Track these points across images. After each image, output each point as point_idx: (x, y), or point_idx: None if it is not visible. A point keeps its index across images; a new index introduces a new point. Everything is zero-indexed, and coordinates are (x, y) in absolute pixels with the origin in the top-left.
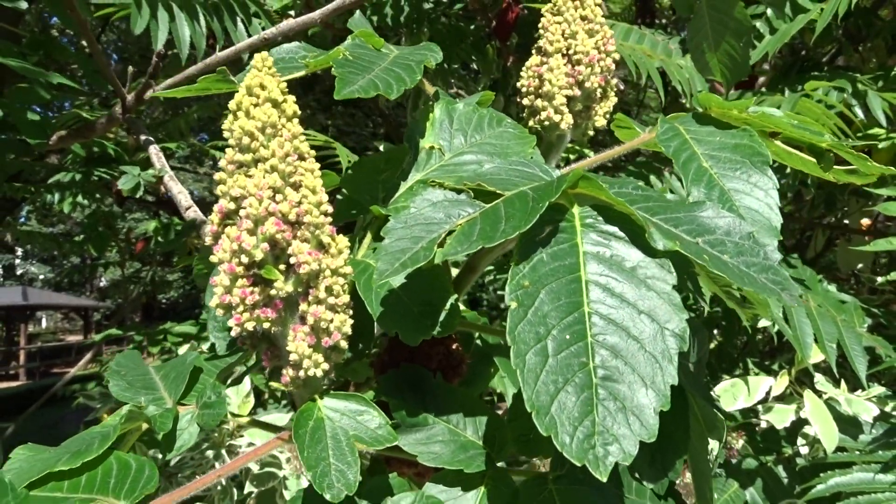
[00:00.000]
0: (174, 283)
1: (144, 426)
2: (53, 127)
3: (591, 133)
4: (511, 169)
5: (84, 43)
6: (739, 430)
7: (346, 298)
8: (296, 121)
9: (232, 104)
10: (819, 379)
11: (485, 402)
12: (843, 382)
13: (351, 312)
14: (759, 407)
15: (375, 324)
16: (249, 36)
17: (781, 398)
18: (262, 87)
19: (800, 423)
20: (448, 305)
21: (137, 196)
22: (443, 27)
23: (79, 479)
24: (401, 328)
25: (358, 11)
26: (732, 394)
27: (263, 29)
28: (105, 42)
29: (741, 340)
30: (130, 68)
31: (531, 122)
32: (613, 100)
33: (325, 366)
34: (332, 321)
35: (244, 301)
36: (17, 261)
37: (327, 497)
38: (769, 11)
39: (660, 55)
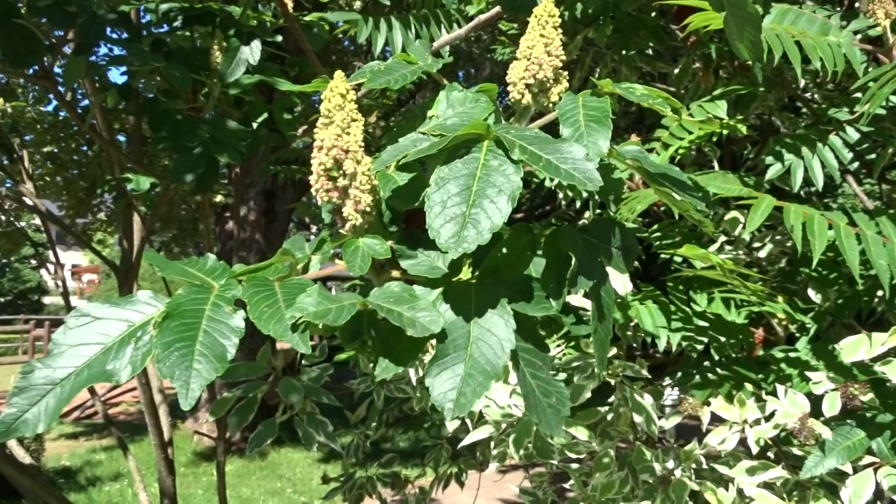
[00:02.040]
0: None
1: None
2: (299, 122)
3: (551, 105)
4: (459, 123)
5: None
6: (864, 383)
7: (369, 187)
8: (353, 103)
9: (323, 95)
10: None
11: None
12: None
13: (374, 195)
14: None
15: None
16: None
17: None
18: (337, 86)
19: None
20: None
21: None
22: (623, 16)
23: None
24: (399, 205)
25: (419, 42)
26: (855, 346)
27: None
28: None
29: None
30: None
31: (512, 101)
32: (565, 85)
33: (361, 219)
34: (363, 197)
35: (324, 188)
36: (312, 237)
37: (354, 272)
38: None
39: (812, 34)
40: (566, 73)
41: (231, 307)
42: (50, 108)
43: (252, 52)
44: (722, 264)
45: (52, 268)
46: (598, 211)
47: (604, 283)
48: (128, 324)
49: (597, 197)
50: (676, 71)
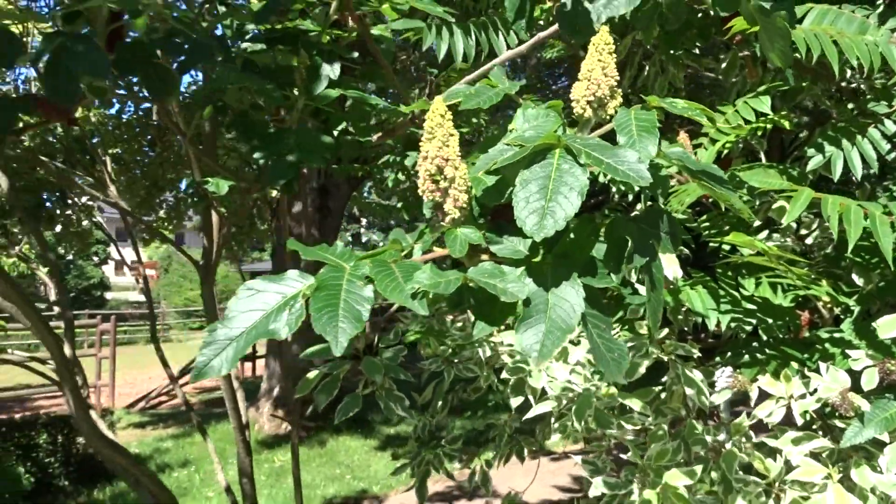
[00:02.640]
0: None
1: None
2: (375, 129)
3: (608, 117)
4: (535, 135)
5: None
6: None
7: (465, 188)
8: (449, 122)
9: (427, 114)
10: None
11: None
12: None
13: (468, 194)
14: None
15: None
16: (509, 47)
17: None
18: (437, 108)
19: None
20: (509, 190)
21: None
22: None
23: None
24: (488, 202)
25: (497, 67)
26: (891, 325)
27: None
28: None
29: None
30: (416, 91)
31: (575, 113)
32: (619, 100)
33: (458, 214)
34: (460, 196)
35: (429, 189)
36: (362, 230)
37: (455, 255)
38: None
39: (850, 33)
40: (620, 90)
41: (362, 281)
42: (112, 111)
43: (332, 69)
44: (767, 251)
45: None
46: (649, 203)
47: (655, 261)
48: (282, 295)
49: (647, 191)
50: (724, 66)
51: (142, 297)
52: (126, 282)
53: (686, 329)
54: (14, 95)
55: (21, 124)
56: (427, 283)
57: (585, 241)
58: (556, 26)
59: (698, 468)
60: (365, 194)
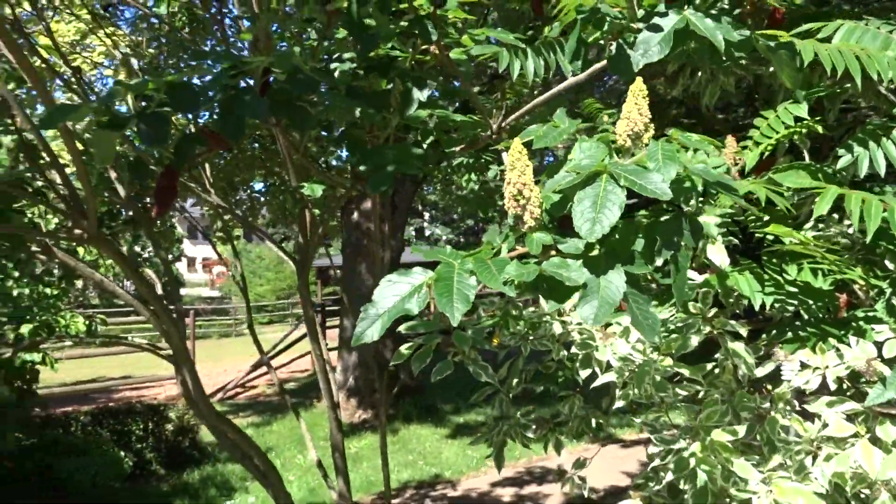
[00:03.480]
0: None
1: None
2: (457, 142)
3: (643, 147)
4: (589, 164)
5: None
6: None
7: (538, 204)
8: (525, 156)
9: (509, 151)
10: None
11: None
12: None
13: (540, 208)
14: None
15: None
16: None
17: None
18: (517, 146)
19: None
20: (569, 204)
21: None
22: None
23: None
24: (555, 213)
25: (560, 108)
26: None
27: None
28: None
29: None
30: (495, 111)
31: (618, 144)
32: (651, 133)
33: (534, 223)
34: (535, 210)
35: (512, 206)
36: (425, 224)
37: (532, 252)
38: None
39: (873, 49)
40: (652, 125)
41: (468, 274)
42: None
43: (422, 93)
44: (804, 240)
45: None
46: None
47: (679, 252)
48: (411, 285)
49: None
50: (770, 70)
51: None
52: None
53: (738, 311)
54: (188, 131)
55: None
56: (514, 273)
57: (628, 239)
58: (605, 62)
59: (741, 428)
60: (428, 189)
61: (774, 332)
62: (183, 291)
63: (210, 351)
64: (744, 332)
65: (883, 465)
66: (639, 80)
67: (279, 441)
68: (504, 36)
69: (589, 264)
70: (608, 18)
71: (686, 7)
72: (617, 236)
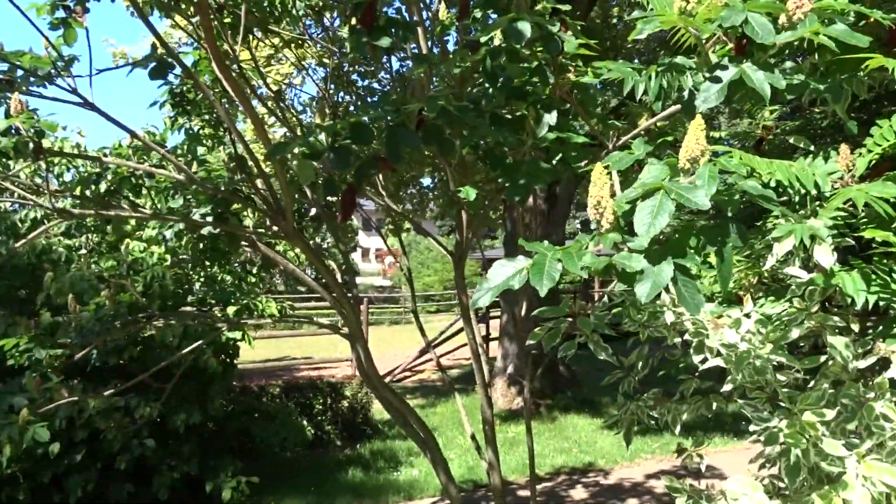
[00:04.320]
0: None
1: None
2: (582, 157)
3: (697, 168)
4: (652, 182)
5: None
6: None
7: (612, 211)
8: (606, 175)
9: (592, 172)
10: None
11: None
12: None
13: (615, 215)
14: None
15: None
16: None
17: None
18: (599, 170)
19: None
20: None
21: None
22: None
23: None
24: (624, 218)
25: (639, 139)
26: None
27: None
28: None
29: None
30: (611, 133)
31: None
32: (706, 159)
33: (609, 226)
34: (610, 217)
35: (594, 213)
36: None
37: (607, 248)
38: None
39: None
40: (707, 152)
41: (557, 262)
42: None
43: (551, 117)
44: None
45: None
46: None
47: (725, 247)
48: (515, 268)
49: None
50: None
51: (386, 283)
52: (372, 268)
53: (846, 307)
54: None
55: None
56: (589, 262)
57: (685, 238)
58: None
59: (830, 412)
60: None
61: (881, 328)
62: (357, 280)
63: (381, 337)
64: (856, 327)
65: None
66: (698, 117)
67: (441, 422)
68: (623, 67)
69: (648, 257)
70: (686, 69)
71: (747, 60)
72: (677, 235)
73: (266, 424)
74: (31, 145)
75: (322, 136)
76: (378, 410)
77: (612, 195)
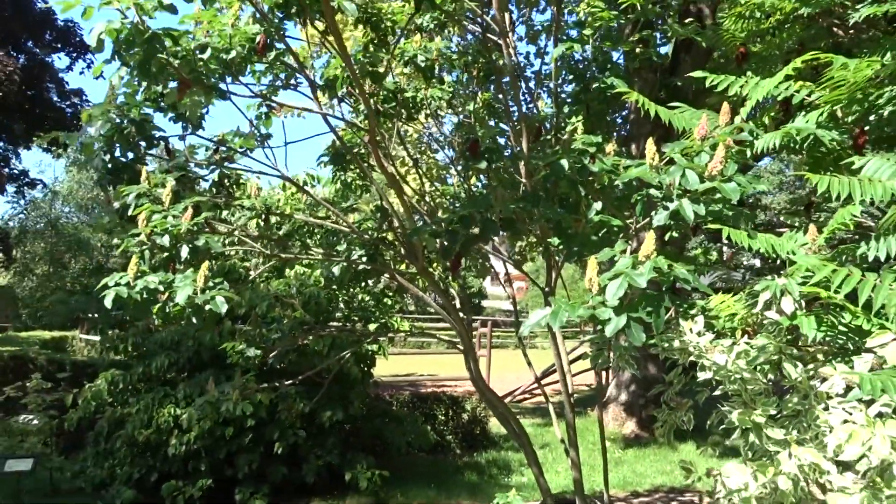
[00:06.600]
0: None
1: None
2: (619, 233)
3: (646, 261)
4: (619, 269)
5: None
6: None
7: (598, 283)
8: (596, 265)
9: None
10: None
11: None
12: None
13: (598, 286)
14: None
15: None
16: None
17: None
18: (592, 262)
19: None
20: None
21: None
22: None
23: None
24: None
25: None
26: None
27: None
28: None
29: None
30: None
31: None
32: (653, 257)
33: (597, 288)
34: (596, 287)
35: (588, 283)
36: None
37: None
38: None
39: None
40: (654, 253)
41: (565, 312)
42: None
43: (598, 205)
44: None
45: (494, 276)
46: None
47: (659, 308)
48: (543, 313)
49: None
50: None
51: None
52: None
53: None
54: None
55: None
56: (582, 312)
57: (638, 301)
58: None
59: (773, 408)
60: None
61: (830, 357)
62: (486, 303)
63: (506, 359)
64: (821, 356)
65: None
66: (650, 232)
67: (553, 440)
68: (643, 172)
69: (614, 310)
70: (655, 193)
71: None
72: (635, 299)
73: (395, 427)
74: (262, 215)
75: (442, 224)
76: (495, 424)
77: (599, 273)
